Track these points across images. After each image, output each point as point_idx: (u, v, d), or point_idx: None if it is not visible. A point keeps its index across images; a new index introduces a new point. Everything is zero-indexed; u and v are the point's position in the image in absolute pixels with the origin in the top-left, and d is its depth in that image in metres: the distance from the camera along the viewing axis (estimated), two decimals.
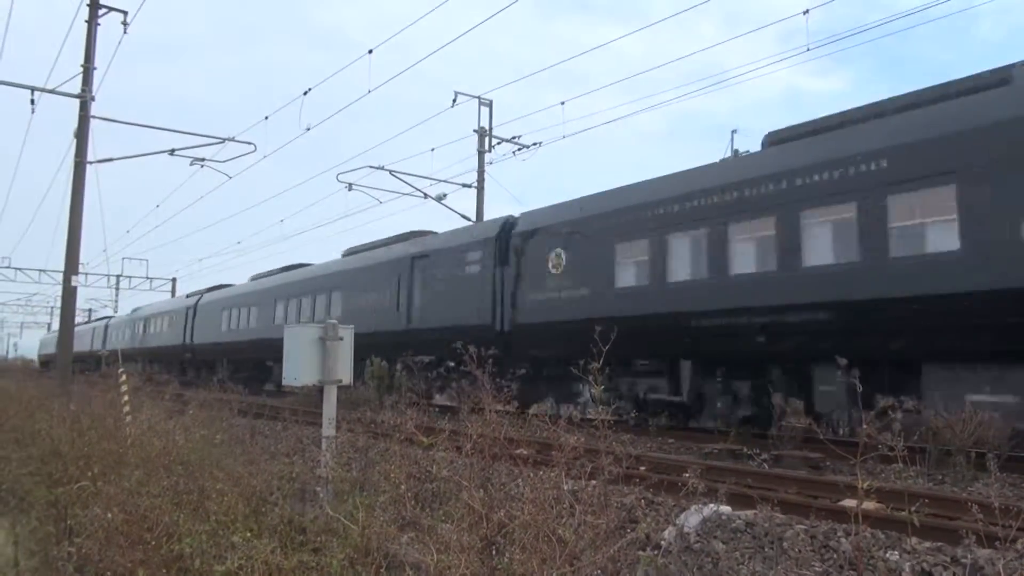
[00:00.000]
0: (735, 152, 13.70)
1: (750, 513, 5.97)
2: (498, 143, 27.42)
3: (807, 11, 16.72)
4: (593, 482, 4.96)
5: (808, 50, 17.25)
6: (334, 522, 4.54)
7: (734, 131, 18.29)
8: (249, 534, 4.64)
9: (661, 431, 12.19)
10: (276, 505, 5.47)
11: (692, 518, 5.81)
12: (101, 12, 20.09)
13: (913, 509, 4.33)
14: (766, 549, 5.36)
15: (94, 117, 19.91)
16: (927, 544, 5.13)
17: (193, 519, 4.98)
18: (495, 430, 4.50)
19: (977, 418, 8.30)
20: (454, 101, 26.88)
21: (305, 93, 22.22)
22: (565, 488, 3.88)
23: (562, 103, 22.64)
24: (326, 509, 4.75)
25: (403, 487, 4.61)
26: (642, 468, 8.62)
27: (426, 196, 26.75)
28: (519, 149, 27.04)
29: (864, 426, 3.98)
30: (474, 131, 27.52)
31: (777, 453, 9.57)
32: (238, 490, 5.48)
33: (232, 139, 22.18)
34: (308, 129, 22.73)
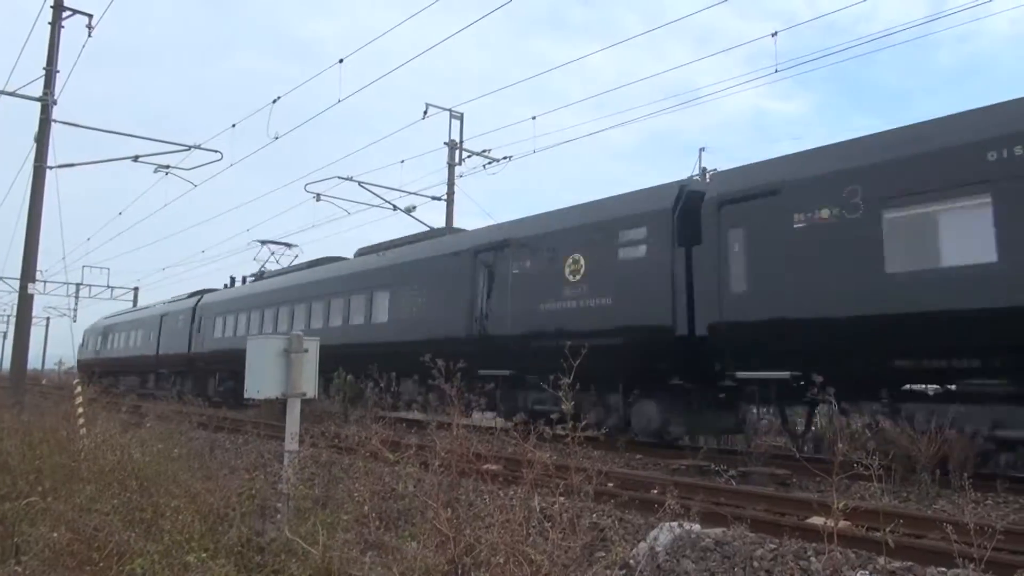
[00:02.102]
0: (703, 170, 13.90)
1: (719, 531, 5.90)
2: (468, 156, 27.32)
3: (775, 33, 17.01)
4: (562, 499, 4.85)
5: (776, 71, 17.49)
6: (294, 543, 4.36)
7: (702, 149, 18.63)
8: (204, 554, 4.44)
9: (629, 447, 12.13)
10: (233, 524, 5.26)
11: (662, 537, 5.72)
12: (65, 14, 19.65)
13: (888, 528, 4.28)
14: (736, 569, 5.29)
15: (55, 121, 19.43)
16: (897, 564, 5.10)
17: (145, 538, 4.76)
18: (463, 446, 4.37)
19: (942, 435, 8.35)
20: (425, 113, 26.78)
21: (274, 102, 21.95)
22: (536, 507, 3.76)
23: (533, 117, 22.68)
24: (284, 531, 4.56)
25: (366, 507, 4.44)
26: (611, 485, 8.53)
27: (395, 208, 26.55)
28: (489, 163, 27.00)
29: (839, 444, 3.93)
30: (444, 144, 27.42)
31: (745, 470, 9.54)
32: (194, 507, 5.26)
33: (198, 147, 21.77)
34: (276, 138, 22.40)
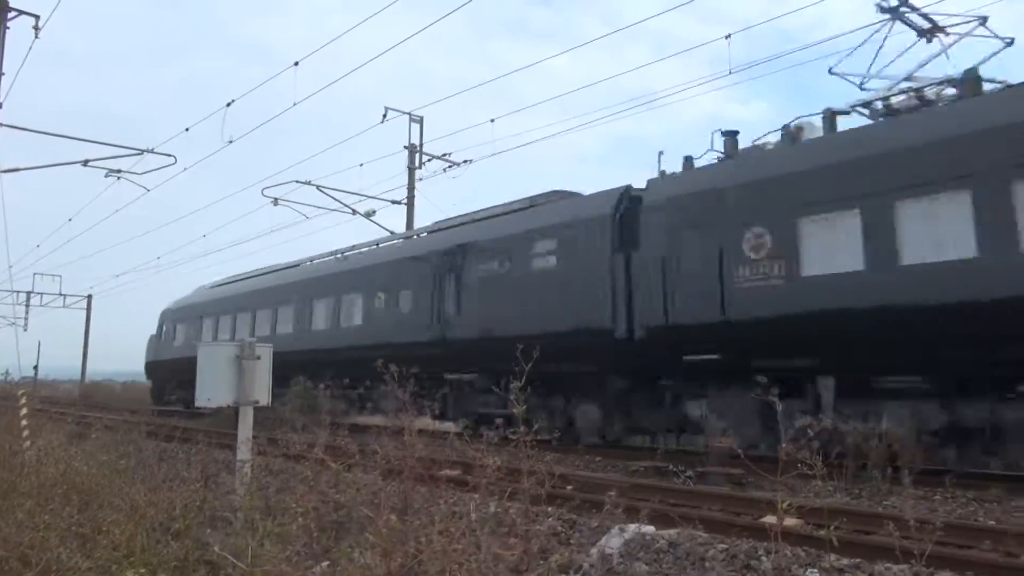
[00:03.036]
0: (661, 173, 13.68)
1: (673, 532, 5.91)
2: (428, 160, 27.20)
3: (729, 35, 17.21)
4: (516, 504, 4.80)
5: (730, 73, 17.68)
6: (234, 555, 4.24)
7: (661, 152, 18.54)
8: (144, 570, 4.30)
9: (588, 449, 12.14)
10: (178, 537, 5.11)
11: (614, 540, 5.70)
12: (11, 16, 19.12)
13: (833, 526, 4.31)
14: (688, 570, 5.29)
15: (1, 125, 18.91)
16: (845, 561, 5.14)
17: (81, 554, 4.59)
18: (410, 451, 4.30)
19: (892, 433, 8.49)
20: (384, 116, 26.64)
21: (228, 105, 21.60)
22: (473, 516, 3.70)
23: (492, 120, 22.63)
24: (214, 546, 4.43)
25: (300, 520, 4.34)
26: (569, 488, 8.51)
27: (354, 212, 26.30)
28: (450, 166, 26.93)
29: (783, 444, 3.95)
30: (404, 147, 27.26)
31: (701, 470, 9.59)
32: (135, 520, 5.09)
33: (151, 151, 21.36)
34: (231, 142, 22.05)
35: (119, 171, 21.70)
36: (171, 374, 27.03)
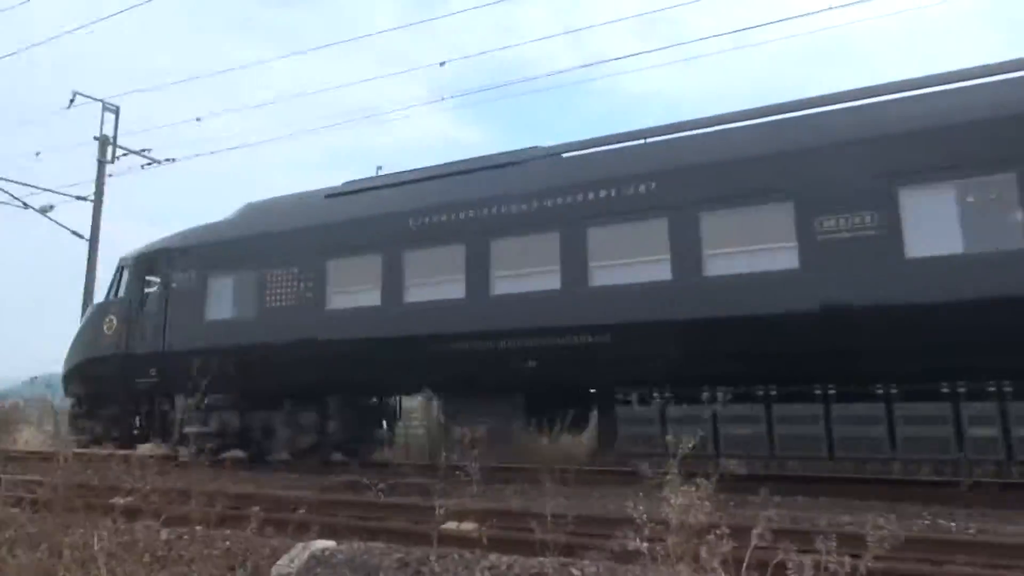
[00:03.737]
0: None
1: (352, 546, 6.01)
2: (124, 154, 24.83)
3: (443, 63, 18.05)
4: (185, 529, 4.58)
5: (443, 100, 18.57)
6: None
7: (379, 167, 18.90)
8: None
9: (283, 466, 11.87)
10: None
11: (291, 559, 5.67)
12: None
13: (488, 526, 4.72)
14: None
15: None
16: (506, 558, 5.62)
17: None
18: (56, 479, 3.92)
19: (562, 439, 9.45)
20: (72, 102, 23.91)
21: None
22: (96, 546, 3.49)
23: (198, 119, 21.35)
24: None
25: None
26: (255, 508, 8.24)
27: (27, 206, 23.12)
28: (149, 163, 24.82)
29: (443, 454, 4.26)
30: (95, 138, 24.59)
31: (392, 482, 9.85)
32: None
33: None
34: None
35: None
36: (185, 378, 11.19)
